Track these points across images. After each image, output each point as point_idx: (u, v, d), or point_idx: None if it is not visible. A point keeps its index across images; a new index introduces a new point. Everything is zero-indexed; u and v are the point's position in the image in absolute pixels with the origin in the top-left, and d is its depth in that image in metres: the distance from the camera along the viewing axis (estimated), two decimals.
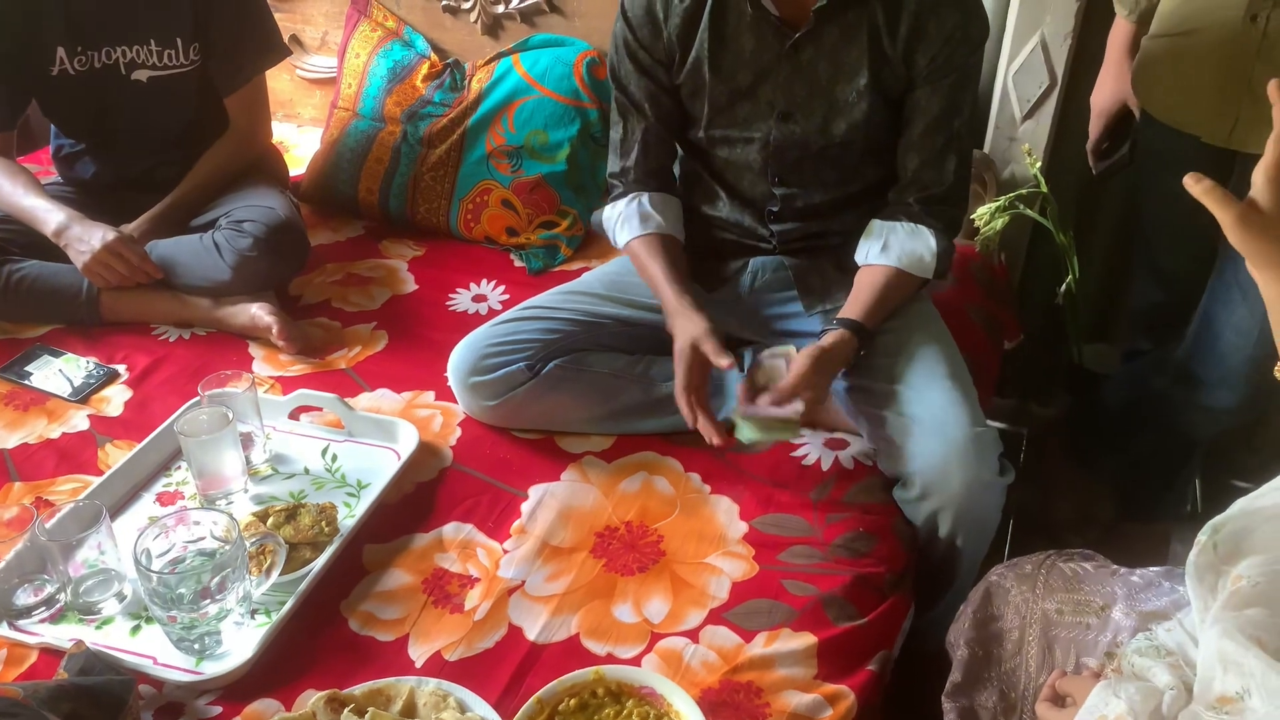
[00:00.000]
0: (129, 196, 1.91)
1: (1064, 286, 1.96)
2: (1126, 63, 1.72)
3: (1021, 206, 1.88)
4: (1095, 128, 1.82)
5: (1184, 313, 1.76)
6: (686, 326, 1.42)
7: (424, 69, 2.19)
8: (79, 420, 1.60)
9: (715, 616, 1.25)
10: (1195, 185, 0.89)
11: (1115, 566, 1.12)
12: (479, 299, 1.92)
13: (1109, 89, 1.77)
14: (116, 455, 1.51)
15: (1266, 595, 0.87)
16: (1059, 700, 0.99)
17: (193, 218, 1.91)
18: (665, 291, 1.49)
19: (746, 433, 1.36)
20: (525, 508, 1.42)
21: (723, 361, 1.36)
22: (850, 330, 1.42)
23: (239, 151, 1.97)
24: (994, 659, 1.08)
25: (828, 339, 1.41)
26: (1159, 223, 1.80)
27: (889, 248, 1.47)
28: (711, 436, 1.37)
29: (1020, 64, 1.91)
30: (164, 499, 1.45)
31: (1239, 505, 0.92)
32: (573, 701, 1.08)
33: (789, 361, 1.39)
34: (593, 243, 2.07)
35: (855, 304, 1.45)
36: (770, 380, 1.38)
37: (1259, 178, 0.90)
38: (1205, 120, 1.57)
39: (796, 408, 1.34)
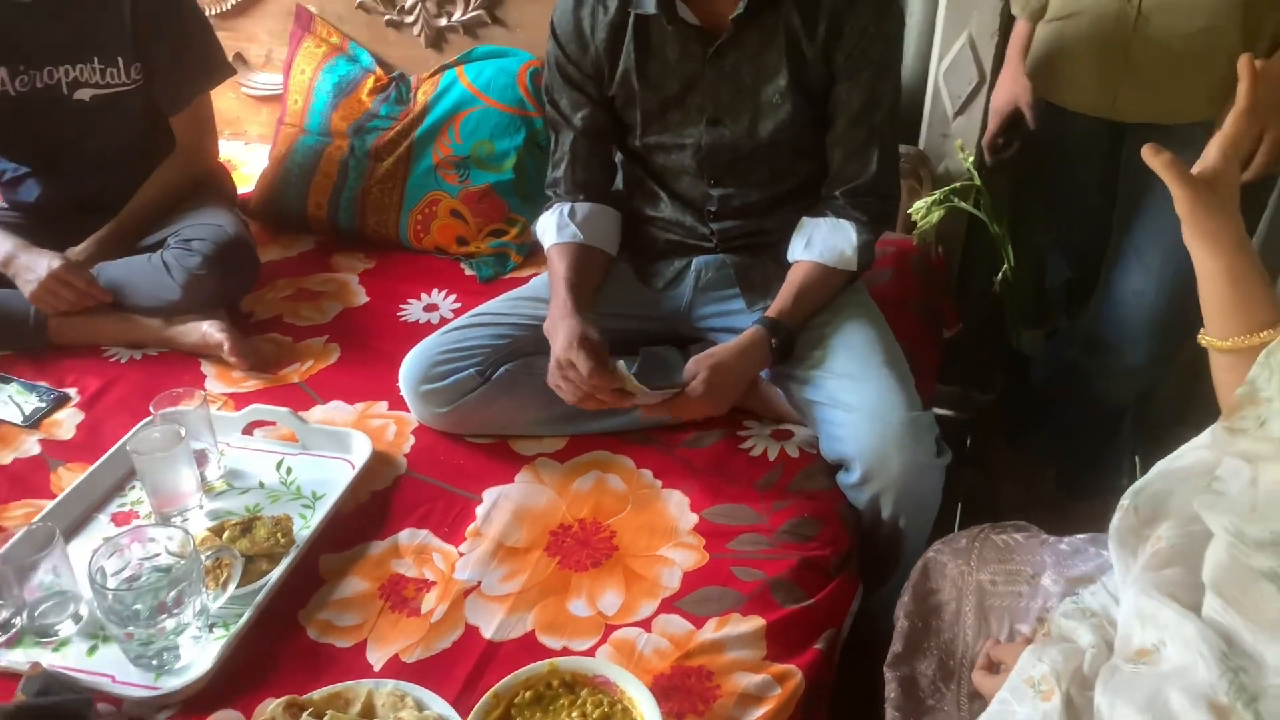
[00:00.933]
0: (77, 219, 1.90)
1: (1000, 275, 2.02)
2: (1019, 67, 1.80)
3: (956, 200, 1.93)
4: (991, 125, 1.91)
5: (1092, 285, 1.84)
6: (562, 336, 1.46)
7: (369, 83, 2.20)
8: (30, 445, 1.60)
9: (667, 605, 1.28)
10: (1154, 158, 0.92)
11: (1045, 536, 1.17)
12: (430, 308, 1.94)
13: (1005, 89, 1.85)
14: (69, 478, 1.51)
15: (1184, 554, 0.92)
16: (993, 668, 1.03)
17: (140, 239, 1.91)
18: (553, 301, 1.53)
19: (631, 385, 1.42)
20: (480, 510, 1.44)
21: (585, 371, 1.40)
22: (765, 327, 1.48)
23: (185, 171, 1.97)
24: (932, 629, 1.13)
25: (735, 341, 1.47)
26: (1065, 202, 1.89)
27: (812, 244, 1.52)
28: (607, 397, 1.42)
29: (949, 62, 1.96)
30: (119, 519, 1.45)
31: (1157, 468, 0.97)
32: (528, 694, 1.11)
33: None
34: (542, 250, 2.09)
35: (777, 301, 1.51)
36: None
37: (1213, 150, 0.93)
38: (1089, 96, 1.67)
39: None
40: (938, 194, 1.94)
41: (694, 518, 1.41)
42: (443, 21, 2.21)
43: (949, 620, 1.12)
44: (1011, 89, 1.83)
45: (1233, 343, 0.92)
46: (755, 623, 1.23)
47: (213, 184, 2.04)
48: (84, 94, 1.83)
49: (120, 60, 1.82)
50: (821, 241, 1.52)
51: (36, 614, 1.26)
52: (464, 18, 2.19)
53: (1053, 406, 2.00)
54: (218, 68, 1.99)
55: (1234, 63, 0.94)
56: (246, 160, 2.44)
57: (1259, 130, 1.50)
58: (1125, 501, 0.97)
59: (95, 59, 1.81)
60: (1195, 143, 1.53)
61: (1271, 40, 1.53)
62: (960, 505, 1.84)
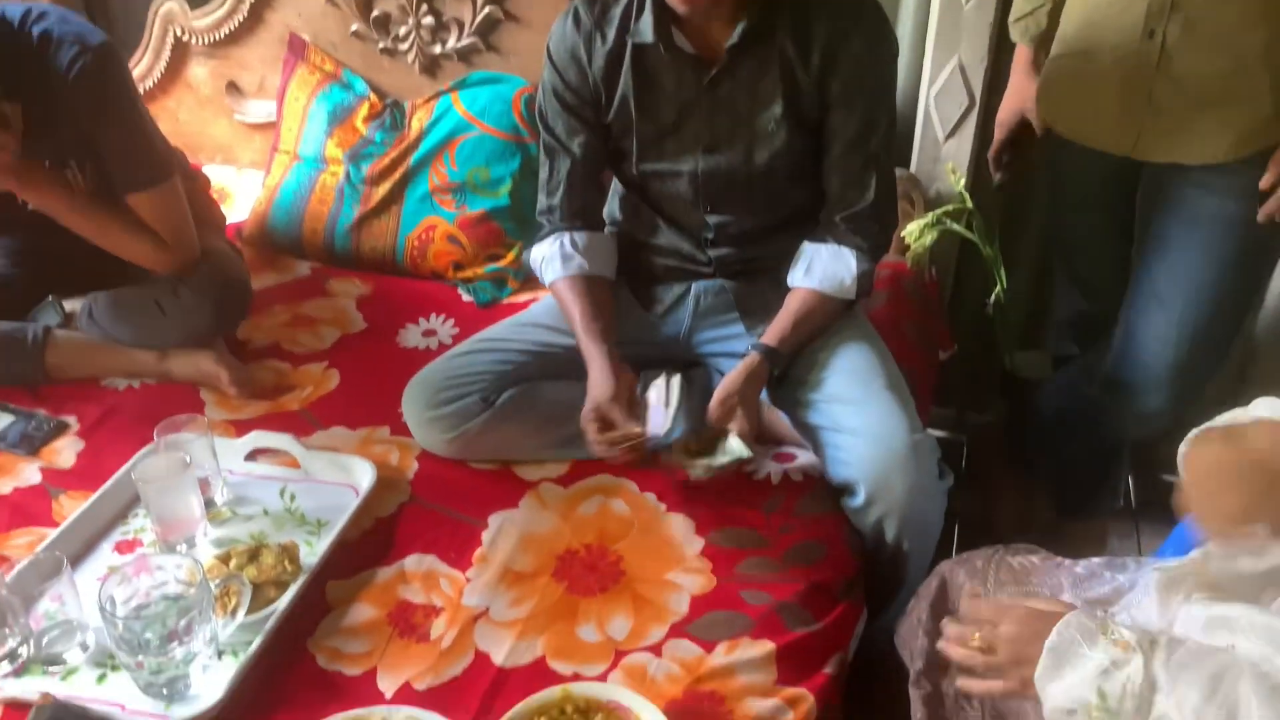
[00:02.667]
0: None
1: (993, 297, 2.04)
2: (1025, 79, 1.82)
3: (949, 222, 1.96)
4: (997, 137, 1.92)
5: (1106, 317, 1.85)
6: (596, 385, 1.48)
7: (364, 110, 2.22)
8: (30, 474, 1.59)
9: (677, 630, 1.29)
10: None
11: (1060, 559, 1.18)
12: (429, 333, 1.94)
13: (1011, 100, 1.87)
14: (71, 506, 1.50)
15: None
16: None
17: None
18: (581, 340, 1.54)
19: (698, 470, 1.42)
20: (486, 536, 1.45)
21: (634, 429, 1.42)
22: (762, 354, 1.49)
23: (160, 251, 1.78)
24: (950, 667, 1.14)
25: (737, 369, 1.49)
26: (1075, 235, 1.90)
27: (812, 270, 1.54)
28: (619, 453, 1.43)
29: (940, 87, 2.00)
30: (123, 547, 1.45)
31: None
32: None
33: (663, 391, 1.46)
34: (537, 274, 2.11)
35: (774, 327, 1.53)
36: (645, 411, 1.46)
37: None
38: (1110, 135, 1.65)
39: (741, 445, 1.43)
40: (930, 216, 1.96)
41: (700, 541, 1.42)
42: (437, 49, 2.23)
43: None
44: (1017, 99, 1.84)
45: None
46: (765, 647, 1.24)
47: (201, 214, 2.00)
48: None
49: (73, 163, 1.73)
50: (821, 269, 1.54)
51: (44, 643, 1.26)
52: (458, 45, 2.21)
53: (1061, 435, 2.01)
54: (159, 164, 1.77)
55: (1260, 104, 0.94)
56: (239, 187, 2.44)
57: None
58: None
59: (46, 163, 1.70)
60: (1212, 185, 1.57)
61: None
62: (958, 525, 1.86)
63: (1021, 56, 1.83)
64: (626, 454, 1.43)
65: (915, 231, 1.96)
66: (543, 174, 1.66)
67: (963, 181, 1.99)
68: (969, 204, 1.98)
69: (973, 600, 1.02)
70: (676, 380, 1.49)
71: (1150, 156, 1.62)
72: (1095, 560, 1.17)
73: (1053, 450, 2.04)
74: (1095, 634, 0.87)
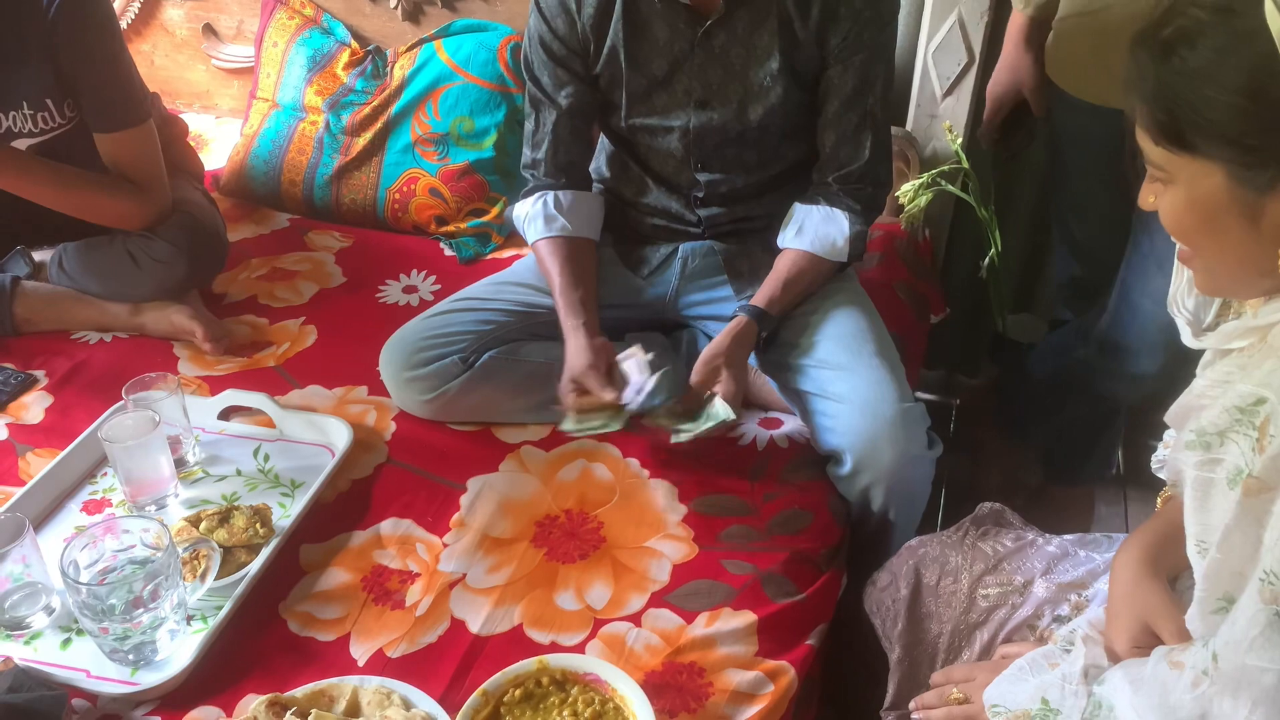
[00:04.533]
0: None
1: (986, 260, 2.00)
2: (1020, 52, 1.75)
3: (944, 183, 1.92)
4: (989, 112, 1.86)
5: (1102, 283, 1.82)
6: (573, 355, 1.45)
7: (344, 57, 2.15)
8: None
9: (657, 600, 1.26)
10: None
11: (1031, 535, 1.16)
12: (410, 290, 1.90)
13: (1005, 74, 1.80)
14: (38, 464, 1.46)
15: None
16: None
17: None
18: (560, 308, 1.51)
19: (682, 435, 1.40)
20: (464, 500, 1.42)
21: (606, 396, 1.39)
22: (751, 316, 1.46)
23: (131, 195, 1.71)
24: (929, 660, 1.13)
25: (724, 331, 1.45)
26: (1074, 198, 1.85)
27: (803, 231, 1.50)
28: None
29: (939, 43, 1.94)
30: (90, 507, 1.41)
31: None
32: (518, 692, 1.09)
33: (638, 361, 1.43)
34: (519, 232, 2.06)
35: (763, 289, 1.49)
36: (625, 380, 1.43)
37: None
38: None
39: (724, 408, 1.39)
40: (925, 177, 1.92)
41: (683, 508, 1.40)
42: None
43: (944, 653, 1.12)
44: (1012, 75, 1.79)
45: None
46: (747, 618, 1.22)
47: (178, 162, 1.95)
48: (20, 144, 1.67)
49: (49, 101, 1.66)
50: (813, 230, 1.49)
51: (6, 606, 1.23)
52: None
53: (1052, 399, 1.99)
54: (137, 103, 1.71)
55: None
56: (217, 135, 2.38)
57: None
58: None
59: (24, 104, 1.64)
60: None
61: None
62: (944, 490, 1.84)
63: (1016, 26, 1.76)
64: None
65: (910, 192, 1.92)
66: (528, 126, 1.60)
67: (959, 141, 1.94)
68: (965, 164, 1.93)
69: (945, 671, 1.08)
70: (653, 354, 1.45)
71: None
72: (1068, 538, 1.16)
73: (1044, 414, 2.02)
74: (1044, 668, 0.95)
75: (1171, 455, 0.90)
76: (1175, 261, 0.92)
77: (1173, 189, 0.80)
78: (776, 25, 1.41)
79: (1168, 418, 0.97)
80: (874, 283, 1.72)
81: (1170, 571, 0.95)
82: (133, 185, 1.71)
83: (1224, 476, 0.78)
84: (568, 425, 1.43)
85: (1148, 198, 0.85)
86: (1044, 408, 2.02)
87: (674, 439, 1.40)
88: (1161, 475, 1.04)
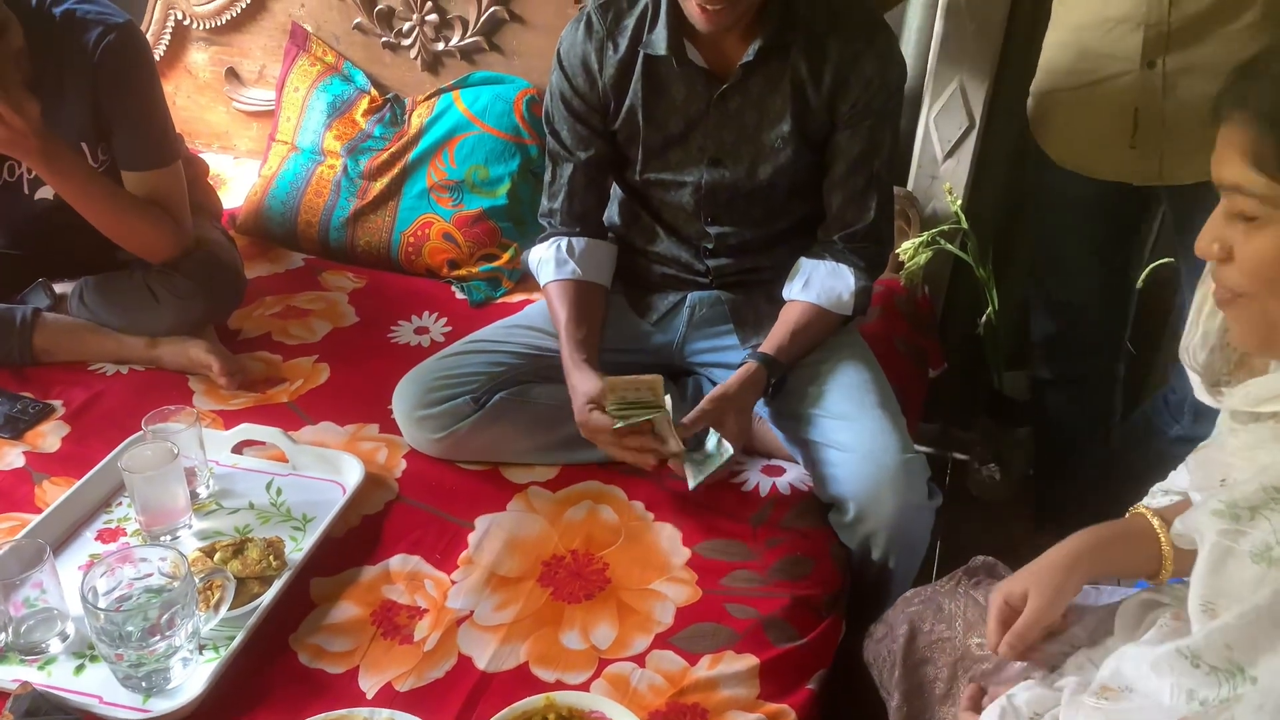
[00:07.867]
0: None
1: (984, 317, 2.06)
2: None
3: (943, 242, 1.97)
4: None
5: (1085, 342, 1.84)
6: (582, 382, 1.48)
7: (364, 104, 2.21)
8: (14, 458, 1.58)
9: (661, 641, 1.29)
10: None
11: None
12: (421, 331, 1.94)
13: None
14: (54, 492, 1.49)
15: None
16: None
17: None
18: (563, 344, 1.55)
19: (694, 478, 1.43)
20: (472, 538, 1.44)
21: (672, 447, 1.42)
22: (761, 363, 1.50)
23: (160, 245, 1.77)
24: (928, 706, 1.15)
25: (735, 375, 1.49)
26: (1059, 257, 1.88)
27: (810, 285, 1.55)
28: (648, 461, 1.44)
29: (941, 107, 2.01)
30: (105, 535, 1.44)
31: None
32: None
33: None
34: (533, 275, 2.10)
35: (772, 338, 1.54)
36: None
37: None
38: (1130, 164, 1.64)
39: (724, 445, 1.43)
40: (925, 236, 1.98)
41: (686, 552, 1.42)
42: (440, 46, 2.22)
43: (941, 695, 1.14)
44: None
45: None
46: (749, 661, 1.24)
47: (197, 200, 1.99)
48: (46, 193, 1.71)
49: (84, 146, 1.70)
50: (819, 283, 1.54)
51: (22, 631, 1.25)
52: (461, 43, 2.20)
53: (1127, 480, 1.97)
54: (170, 143, 1.78)
55: None
56: (235, 175, 2.43)
57: None
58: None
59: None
60: None
61: None
62: (939, 543, 1.87)
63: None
64: (640, 454, 1.44)
65: (910, 250, 1.98)
66: (546, 176, 1.66)
67: (959, 202, 2.00)
68: (964, 224, 1.99)
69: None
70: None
71: (1181, 179, 1.60)
72: None
73: (1104, 497, 2.00)
74: None
75: (1194, 515, 0.88)
76: (1194, 310, 0.91)
77: (1272, 228, 0.76)
78: (790, 90, 1.47)
79: (1189, 464, 0.97)
80: (875, 336, 1.76)
81: (1100, 574, 0.99)
82: (170, 219, 1.76)
83: (1247, 549, 0.78)
84: (695, 481, 1.43)
85: (1212, 246, 0.82)
86: (1102, 490, 1.97)
87: (691, 486, 1.43)
88: (1153, 504, 1.06)
